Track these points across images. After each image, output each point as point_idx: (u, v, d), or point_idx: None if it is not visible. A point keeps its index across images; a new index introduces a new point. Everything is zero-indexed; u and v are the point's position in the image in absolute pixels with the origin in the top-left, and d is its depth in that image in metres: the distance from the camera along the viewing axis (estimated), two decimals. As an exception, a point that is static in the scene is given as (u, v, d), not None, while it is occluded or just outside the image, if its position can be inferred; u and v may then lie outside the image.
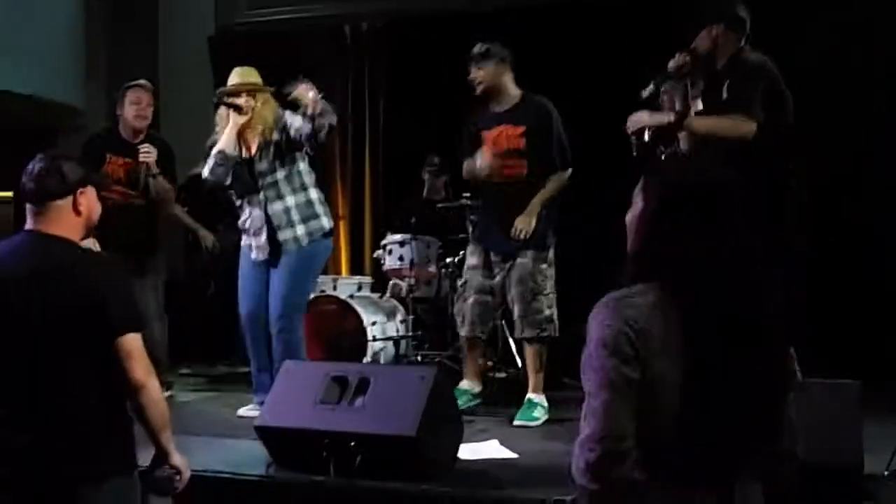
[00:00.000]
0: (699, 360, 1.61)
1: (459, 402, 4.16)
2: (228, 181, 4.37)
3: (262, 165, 4.35)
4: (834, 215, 5.15)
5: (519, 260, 4.35)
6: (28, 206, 2.49)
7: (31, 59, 6.56)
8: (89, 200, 2.53)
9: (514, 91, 4.47)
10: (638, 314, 1.65)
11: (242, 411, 4.40)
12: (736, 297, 1.65)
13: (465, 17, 6.75)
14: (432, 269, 5.66)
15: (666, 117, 3.88)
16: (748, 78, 3.63)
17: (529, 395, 4.38)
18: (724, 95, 3.68)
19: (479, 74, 4.42)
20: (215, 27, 7.56)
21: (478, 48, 4.45)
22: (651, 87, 3.94)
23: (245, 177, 4.37)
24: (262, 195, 4.35)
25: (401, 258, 5.58)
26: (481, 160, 4.35)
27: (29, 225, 2.48)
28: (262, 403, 4.14)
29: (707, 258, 1.66)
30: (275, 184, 4.34)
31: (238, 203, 4.50)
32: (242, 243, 4.51)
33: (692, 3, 4.46)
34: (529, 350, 4.42)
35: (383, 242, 5.79)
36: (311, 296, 5.50)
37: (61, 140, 7.23)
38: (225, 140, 4.28)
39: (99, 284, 2.39)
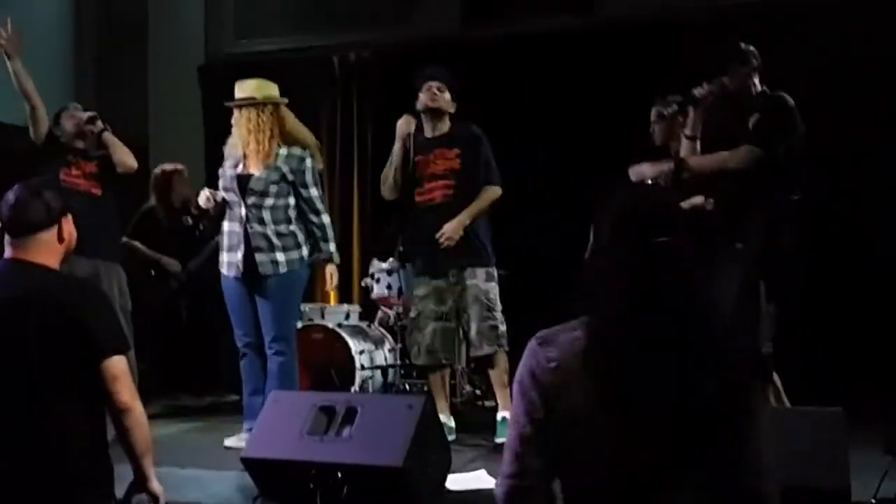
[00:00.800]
0: (619, 395, 1.56)
1: None
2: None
3: (257, 185, 4.28)
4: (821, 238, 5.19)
5: (469, 281, 4.43)
6: (9, 237, 2.47)
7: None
8: (71, 227, 2.53)
9: (449, 119, 4.64)
10: (559, 353, 1.63)
11: (229, 442, 4.37)
12: (667, 328, 1.57)
13: (452, 46, 6.82)
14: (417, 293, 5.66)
15: (665, 166, 3.97)
16: (778, 116, 3.85)
17: (501, 412, 4.37)
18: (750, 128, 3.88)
19: (444, 98, 4.57)
20: (205, 57, 7.61)
21: (443, 74, 4.58)
22: (674, 106, 4.12)
23: (234, 191, 4.31)
24: (243, 212, 4.28)
25: (388, 286, 5.60)
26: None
27: (9, 254, 2.47)
28: (251, 430, 4.15)
29: (635, 289, 1.60)
30: (259, 207, 4.28)
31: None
32: (220, 263, 4.43)
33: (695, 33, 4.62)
34: (495, 368, 4.44)
35: (371, 271, 5.81)
36: (299, 325, 5.53)
37: (49, 170, 7.25)
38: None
39: (84, 309, 2.39)
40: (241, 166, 4.36)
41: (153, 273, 5.84)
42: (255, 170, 4.32)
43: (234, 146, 4.41)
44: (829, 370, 5.10)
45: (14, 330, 2.34)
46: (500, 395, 4.40)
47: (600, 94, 6.30)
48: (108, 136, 4.84)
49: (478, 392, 5.50)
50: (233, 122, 4.39)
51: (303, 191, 4.35)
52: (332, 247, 4.49)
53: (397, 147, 4.57)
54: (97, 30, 7.48)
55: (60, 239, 2.49)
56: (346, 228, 7.11)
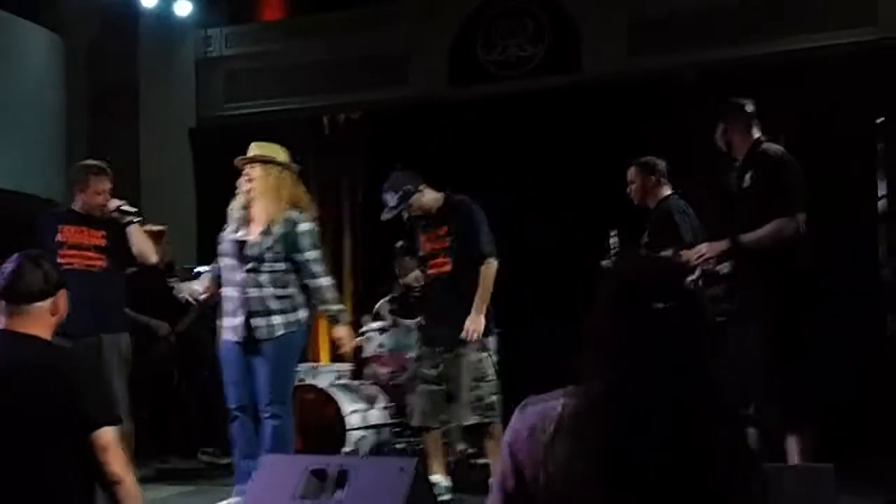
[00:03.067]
0: (609, 467, 1.52)
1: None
2: None
3: (253, 251, 4.25)
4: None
5: (460, 350, 4.50)
6: (4, 304, 2.48)
7: (11, 153, 6.64)
8: (64, 301, 2.55)
9: (435, 199, 4.73)
10: (537, 420, 1.60)
11: None
12: (664, 399, 1.54)
13: (440, 106, 6.95)
14: (412, 355, 5.67)
15: (724, 245, 3.96)
16: (773, 171, 3.87)
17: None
18: (747, 184, 3.91)
19: (420, 204, 4.71)
20: (196, 119, 7.71)
21: (399, 191, 4.73)
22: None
23: (233, 255, 4.30)
24: (239, 277, 4.27)
25: (380, 345, 5.61)
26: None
27: (3, 324, 2.48)
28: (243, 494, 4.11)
29: (632, 356, 1.57)
30: (257, 271, 4.25)
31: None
32: (221, 328, 4.44)
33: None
34: (490, 438, 4.49)
35: (362, 329, 5.82)
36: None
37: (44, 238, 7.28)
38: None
39: (76, 380, 2.40)
40: (241, 231, 4.34)
41: (143, 336, 5.83)
42: (254, 235, 4.30)
43: (237, 209, 4.37)
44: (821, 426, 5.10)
45: (5, 400, 2.35)
46: (494, 465, 4.40)
47: (586, 152, 6.41)
48: (134, 228, 4.77)
49: (471, 451, 5.47)
50: (244, 181, 4.35)
51: (296, 255, 4.30)
52: (336, 307, 4.48)
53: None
54: (89, 92, 7.58)
55: (54, 311, 2.51)
56: (337, 287, 7.12)
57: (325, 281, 4.39)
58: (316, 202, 7.21)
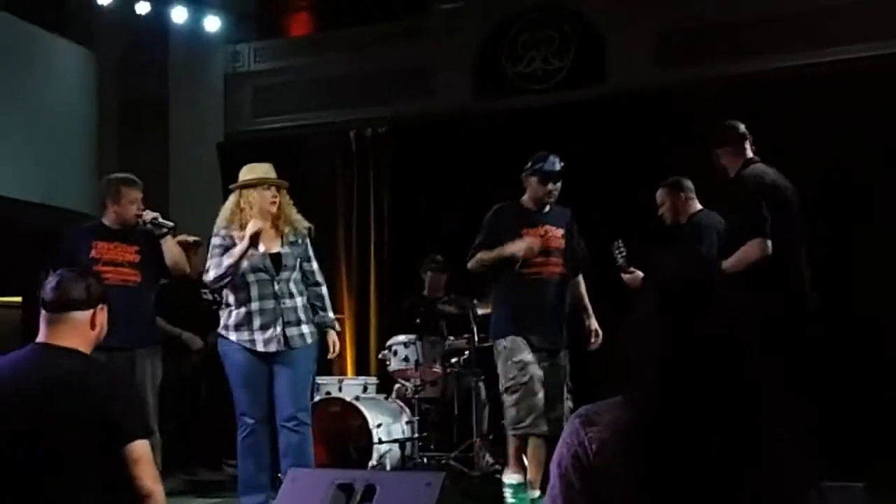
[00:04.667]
0: (659, 484, 1.50)
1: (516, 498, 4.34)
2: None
3: (288, 261, 4.43)
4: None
5: (559, 357, 4.53)
6: (45, 314, 2.52)
7: (43, 166, 6.75)
8: (104, 318, 2.60)
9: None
10: (604, 433, 1.58)
11: None
12: (714, 413, 1.51)
13: (465, 119, 6.97)
14: (437, 369, 5.68)
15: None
16: (747, 198, 3.97)
17: (536, 491, 4.37)
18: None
19: (557, 188, 4.64)
20: (224, 134, 7.79)
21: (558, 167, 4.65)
22: None
23: (266, 269, 4.37)
24: (276, 288, 4.37)
25: (405, 359, 5.61)
26: (528, 241, 4.47)
27: (42, 337, 2.52)
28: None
29: (671, 365, 1.54)
30: (289, 281, 4.42)
31: (228, 300, 4.45)
32: (235, 340, 4.39)
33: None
34: (544, 447, 4.37)
35: (388, 343, 5.83)
36: (317, 398, 5.54)
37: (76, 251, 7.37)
38: (239, 252, 4.30)
39: (110, 394, 2.43)
40: (261, 247, 4.39)
41: (174, 348, 5.88)
42: (278, 246, 4.44)
43: (255, 226, 4.34)
44: (852, 443, 5.04)
45: (40, 412, 2.38)
46: (540, 475, 4.39)
47: (612, 164, 6.40)
48: (168, 240, 4.78)
49: (497, 465, 5.46)
50: (272, 201, 4.43)
51: (306, 264, 4.53)
52: (333, 315, 4.66)
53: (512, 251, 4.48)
54: (119, 106, 7.69)
55: (93, 325, 2.55)
56: (363, 301, 7.17)
57: (326, 289, 4.65)
58: (342, 215, 7.33)
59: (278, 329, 4.35)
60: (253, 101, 7.77)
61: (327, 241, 7.35)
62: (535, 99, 6.85)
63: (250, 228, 4.28)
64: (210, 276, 4.37)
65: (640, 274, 4.51)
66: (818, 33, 6.09)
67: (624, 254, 4.68)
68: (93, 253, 4.69)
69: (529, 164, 4.66)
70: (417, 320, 5.80)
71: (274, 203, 4.43)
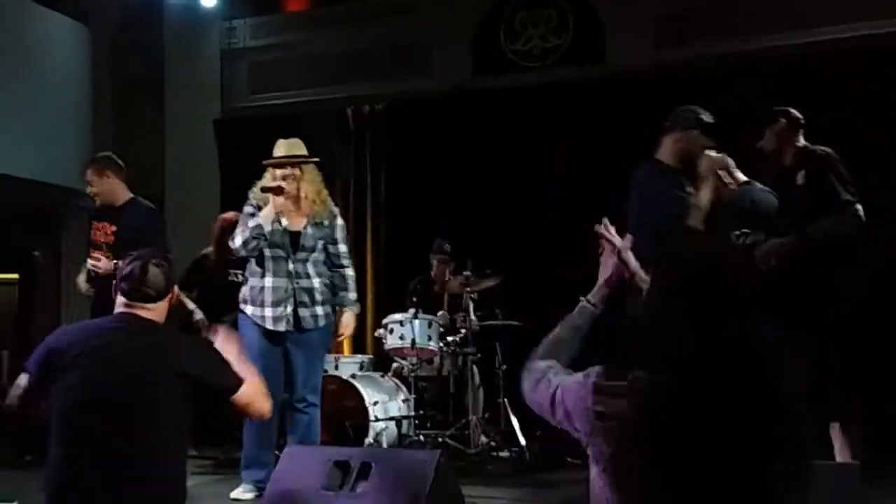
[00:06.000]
0: (673, 461, 1.54)
1: None
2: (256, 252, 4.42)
3: (308, 242, 4.43)
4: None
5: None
6: (126, 299, 2.68)
7: (37, 144, 6.70)
8: (175, 290, 2.81)
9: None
10: (610, 408, 1.65)
11: (235, 494, 4.36)
12: (732, 396, 1.54)
13: (464, 97, 6.93)
14: (433, 347, 5.68)
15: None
16: (823, 168, 3.99)
17: None
18: (800, 182, 4.04)
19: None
20: (220, 110, 7.74)
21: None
22: None
23: (283, 246, 4.39)
24: (291, 267, 4.39)
25: (401, 337, 5.61)
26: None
27: (126, 309, 2.69)
28: (258, 482, 4.17)
29: (686, 349, 1.58)
30: (306, 261, 4.43)
31: (246, 273, 4.51)
32: (249, 314, 4.43)
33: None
34: None
35: (384, 321, 5.83)
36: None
37: (66, 222, 7.35)
38: (265, 218, 4.32)
39: (193, 360, 2.64)
40: (284, 221, 4.41)
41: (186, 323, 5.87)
42: (301, 226, 4.43)
43: (278, 204, 4.37)
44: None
45: (136, 370, 2.56)
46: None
47: (609, 142, 6.37)
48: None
49: (493, 444, 5.48)
50: (290, 178, 4.40)
51: (332, 246, 4.52)
52: (355, 296, 4.66)
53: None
54: (114, 83, 7.64)
55: (171, 303, 2.77)
56: (360, 279, 7.09)
57: (352, 271, 4.66)
58: (339, 193, 7.30)
59: (289, 308, 4.37)
60: (249, 77, 7.71)
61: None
62: (532, 77, 6.81)
63: (270, 184, 4.34)
64: (237, 240, 4.40)
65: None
66: (818, 10, 6.04)
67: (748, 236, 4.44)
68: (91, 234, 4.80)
69: (683, 115, 4.23)
70: (414, 298, 5.80)
71: (286, 180, 4.38)
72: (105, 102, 7.52)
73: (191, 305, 5.63)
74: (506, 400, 5.57)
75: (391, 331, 5.70)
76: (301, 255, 4.41)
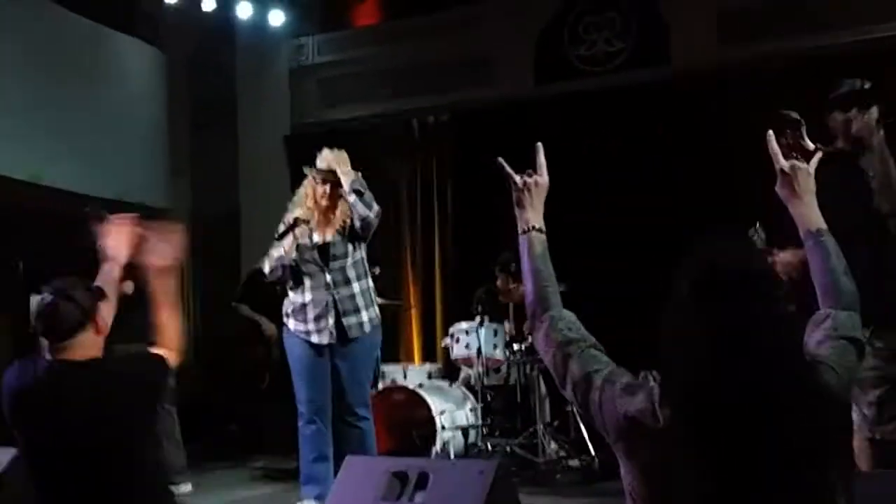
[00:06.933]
0: (692, 454, 1.55)
1: None
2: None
3: (339, 250, 4.42)
4: None
5: None
6: (47, 342, 2.53)
7: (115, 165, 6.95)
8: (103, 315, 2.60)
9: None
10: (634, 406, 1.63)
11: None
12: (750, 398, 1.53)
13: (527, 104, 6.92)
14: (499, 356, 5.68)
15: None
16: None
17: None
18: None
19: None
20: (290, 126, 7.91)
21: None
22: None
23: (315, 261, 4.41)
24: (328, 278, 4.40)
25: (467, 346, 5.63)
26: None
27: (50, 356, 2.54)
28: (318, 498, 4.20)
29: (714, 356, 1.56)
30: (343, 269, 4.42)
31: (290, 288, 4.51)
32: (293, 329, 4.46)
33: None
34: None
35: (451, 330, 5.86)
36: (381, 386, 5.61)
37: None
38: (287, 248, 4.35)
39: (126, 392, 2.56)
40: (315, 235, 4.45)
41: (251, 334, 6.04)
42: (330, 235, 4.44)
43: (305, 216, 4.43)
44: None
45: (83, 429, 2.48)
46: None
47: (677, 144, 6.28)
48: None
49: (561, 453, 5.45)
50: (315, 188, 4.45)
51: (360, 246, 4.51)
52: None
53: None
54: (189, 104, 7.88)
55: (98, 331, 2.59)
56: (429, 289, 7.21)
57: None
58: (406, 203, 7.38)
59: (331, 321, 4.37)
60: (317, 93, 7.86)
61: (391, 230, 7.42)
62: (597, 82, 6.76)
63: (288, 218, 4.37)
64: (266, 268, 4.44)
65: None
66: (890, 5, 5.84)
67: (763, 237, 4.32)
68: None
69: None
70: (479, 308, 5.81)
71: (324, 196, 4.42)
72: (181, 123, 7.76)
73: (258, 318, 5.79)
74: (574, 408, 5.53)
75: (457, 340, 5.73)
76: (335, 264, 4.40)
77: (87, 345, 2.55)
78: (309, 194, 4.49)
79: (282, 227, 4.46)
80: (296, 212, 4.46)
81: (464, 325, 5.75)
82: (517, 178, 2.11)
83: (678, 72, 6.49)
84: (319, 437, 4.42)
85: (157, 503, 2.61)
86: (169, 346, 2.70)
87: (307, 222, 4.38)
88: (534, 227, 2.06)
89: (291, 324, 4.48)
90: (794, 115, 3.88)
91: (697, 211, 5.85)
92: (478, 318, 5.64)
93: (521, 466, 5.33)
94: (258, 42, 7.74)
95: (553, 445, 5.47)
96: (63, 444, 2.48)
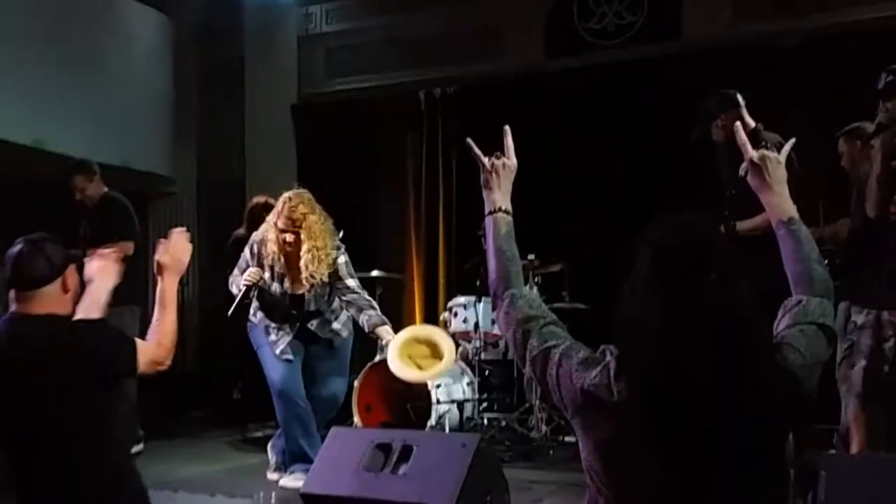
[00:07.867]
0: (646, 430, 1.56)
1: None
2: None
3: (312, 306, 4.52)
4: None
5: None
6: (13, 291, 2.53)
7: (121, 131, 6.93)
8: (75, 277, 2.61)
9: None
10: (590, 380, 1.64)
11: (284, 482, 4.47)
12: (705, 370, 1.55)
13: (537, 78, 6.83)
14: (497, 331, 5.63)
15: None
16: None
17: None
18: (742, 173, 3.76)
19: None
20: (298, 96, 7.85)
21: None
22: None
23: (285, 309, 4.51)
24: (295, 324, 4.56)
25: (465, 320, 5.59)
26: None
27: (14, 308, 2.54)
28: (306, 472, 4.22)
29: (670, 330, 1.58)
30: (319, 312, 4.57)
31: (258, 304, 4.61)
32: (256, 321, 4.61)
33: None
34: None
35: (449, 304, 5.83)
36: (377, 359, 5.58)
37: (151, 207, 7.61)
38: (241, 291, 4.41)
39: (88, 346, 2.51)
40: (286, 282, 4.48)
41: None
42: (303, 290, 4.48)
43: (274, 259, 4.43)
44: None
45: (28, 384, 2.45)
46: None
47: (688, 119, 6.18)
48: None
49: (556, 430, 5.41)
50: (287, 239, 4.35)
51: (339, 283, 4.50)
52: (378, 312, 4.58)
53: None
54: (196, 71, 7.84)
55: (66, 290, 2.58)
56: (432, 262, 7.16)
57: (365, 293, 4.59)
58: (411, 176, 7.32)
59: (296, 348, 4.56)
60: (325, 62, 7.78)
61: (396, 202, 7.38)
62: (607, 55, 6.64)
63: (245, 278, 4.38)
64: (234, 290, 4.50)
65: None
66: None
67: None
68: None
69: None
70: (478, 282, 5.76)
71: (291, 245, 4.35)
72: (187, 90, 7.72)
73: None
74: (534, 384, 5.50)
75: (455, 314, 5.69)
76: (310, 316, 4.54)
77: (51, 300, 2.54)
78: (272, 239, 4.41)
79: (247, 251, 4.52)
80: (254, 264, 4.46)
81: (462, 299, 5.71)
82: (485, 161, 2.14)
83: (690, 46, 6.36)
84: (307, 419, 4.51)
85: (115, 471, 2.57)
86: (161, 341, 2.68)
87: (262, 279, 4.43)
88: (500, 209, 2.14)
89: (258, 316, 4.59)
90: (733, 92, 3.90)
91: (708, 185, 5.75)
92: (476, 294, 5.60)
93: (517, 441, 5.31)
94: (266, 10, 7.69)
95: (548, 421, 5.44)
96: (14, 396, 2.46)
